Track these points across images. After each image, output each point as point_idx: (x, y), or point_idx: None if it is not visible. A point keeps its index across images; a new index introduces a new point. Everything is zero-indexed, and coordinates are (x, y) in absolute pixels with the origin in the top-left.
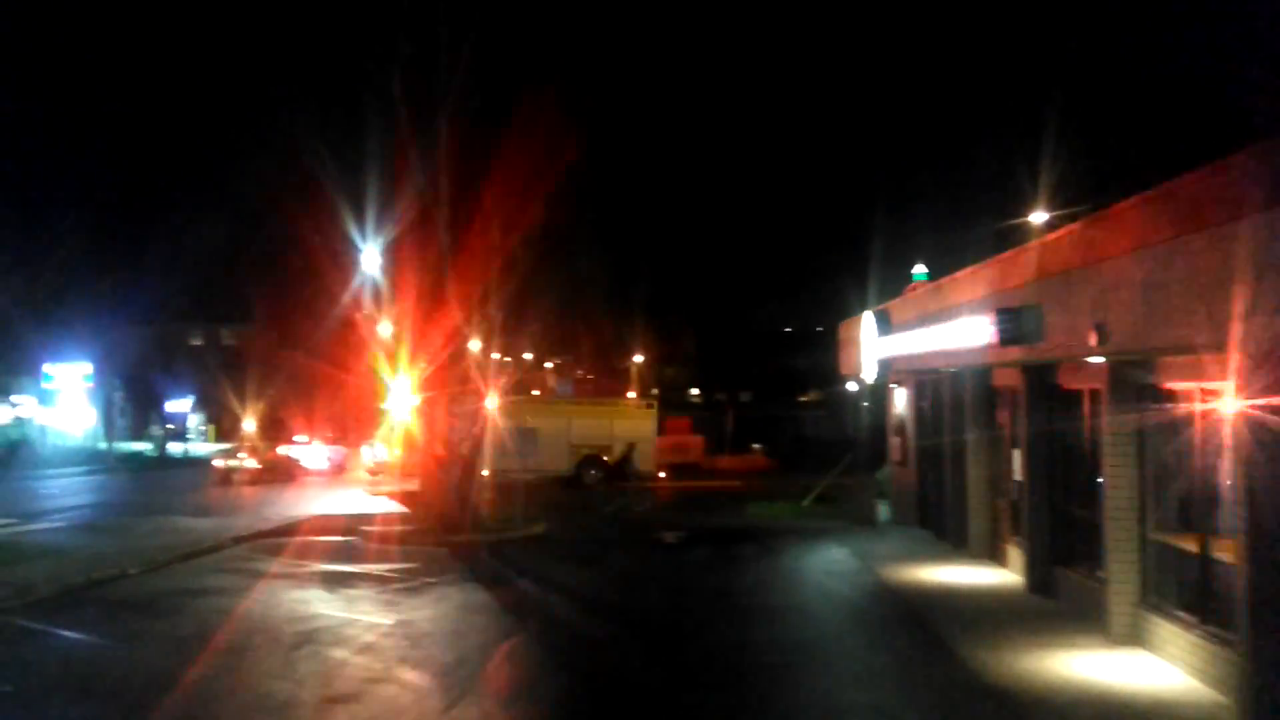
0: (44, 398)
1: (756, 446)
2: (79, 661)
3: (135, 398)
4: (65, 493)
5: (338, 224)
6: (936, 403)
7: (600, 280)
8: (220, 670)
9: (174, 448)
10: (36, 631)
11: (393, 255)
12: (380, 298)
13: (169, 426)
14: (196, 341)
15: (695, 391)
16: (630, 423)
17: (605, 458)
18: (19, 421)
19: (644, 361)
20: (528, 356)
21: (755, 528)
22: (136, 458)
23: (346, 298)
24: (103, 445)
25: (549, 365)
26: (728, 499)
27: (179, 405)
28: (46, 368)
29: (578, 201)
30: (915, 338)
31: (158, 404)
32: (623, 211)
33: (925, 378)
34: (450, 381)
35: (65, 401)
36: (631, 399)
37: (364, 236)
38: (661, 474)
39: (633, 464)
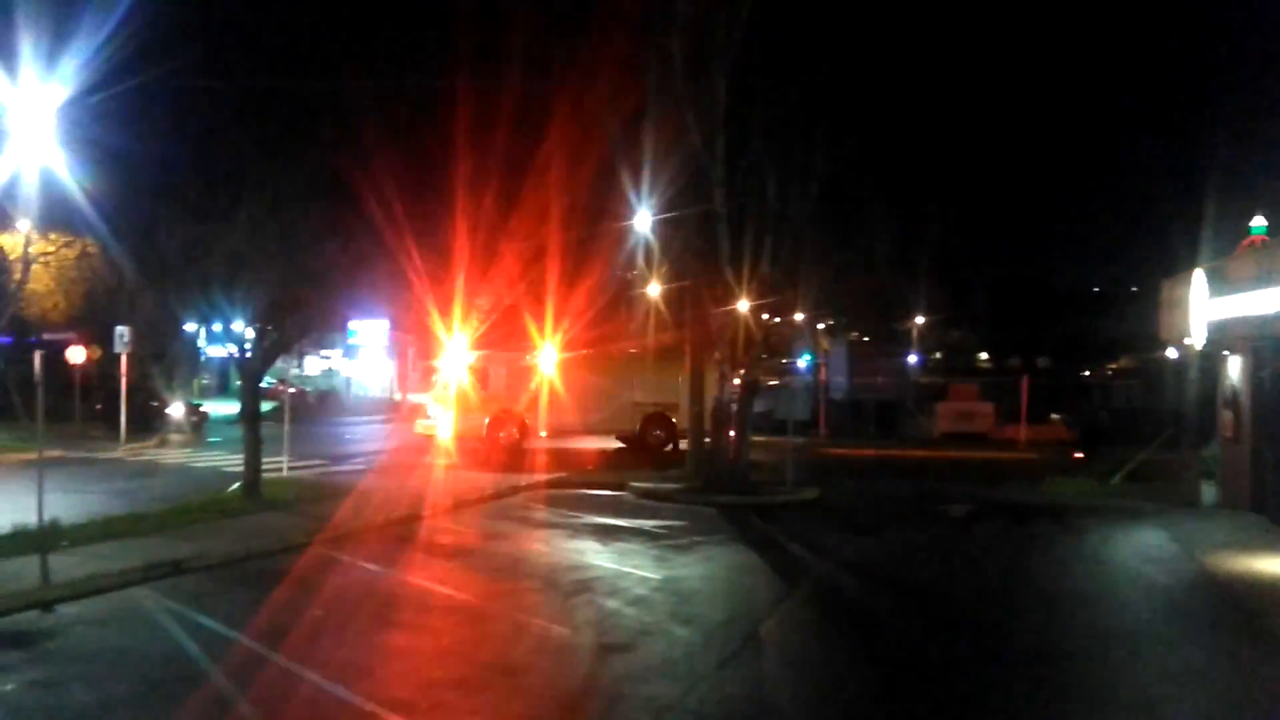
0: (349, 352)
1: (1055, 417)
2: (376, 591)
3: (425, 353)
4: (365, 439)
5: (613, 187)
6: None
7: (882, 236)
8: (503, 609)
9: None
10: (342, 563)
11: (665, 219)
12: (652, 262)
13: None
14: (480, 302)
15: (984, 356)
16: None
17: (672, 417)
18: (329, 373)
19: (925, 323)
20: (798, 317)
21: (1054, 505)
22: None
23: (618, 262)
24: (397, 396)
25: (821, 326)
26: (1021, 472)
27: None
28: (351, 324)
29: (859, 155)
30: (1256, 299)
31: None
32: (910, 163)
33: (1266, 344)
34: (720, 343)
35: (366, 355)
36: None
37: (636, 199)
38: (731, 433)
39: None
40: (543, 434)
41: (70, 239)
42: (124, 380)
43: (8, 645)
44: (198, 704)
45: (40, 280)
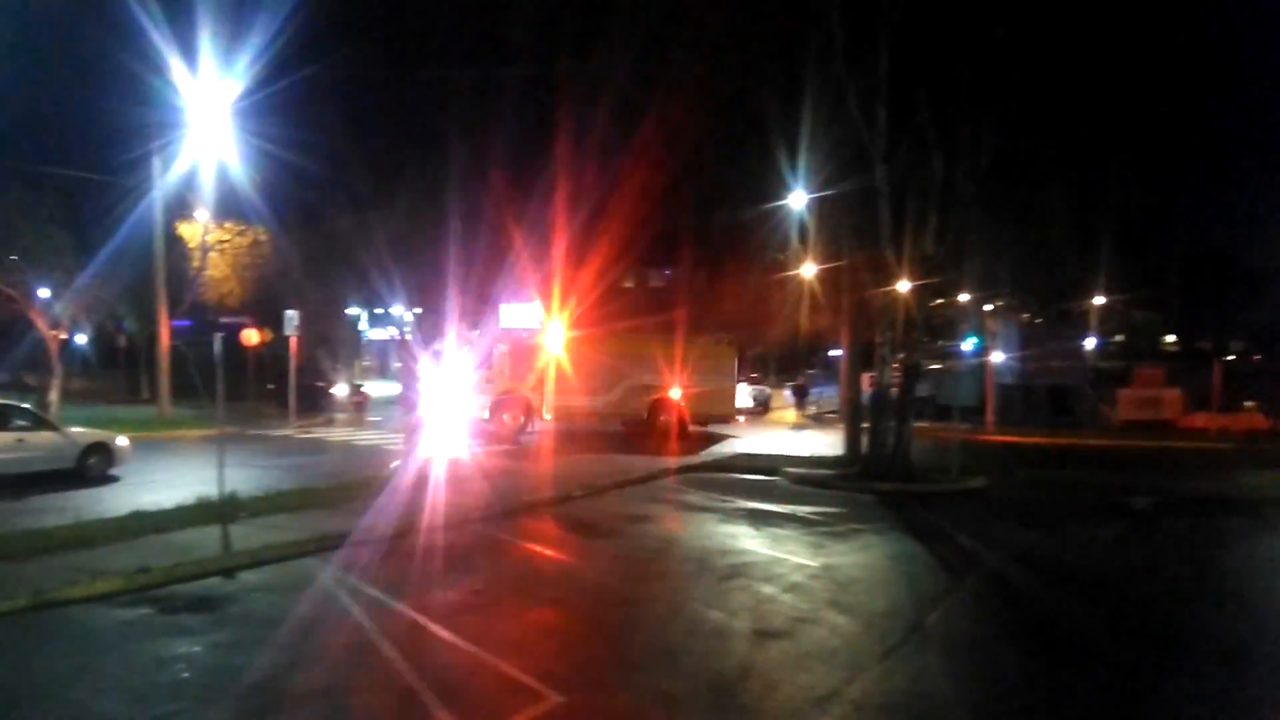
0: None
1: (1250, 404)
2: (531, 568)
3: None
4: None
5: (768, 167)
6: None
7: (1057, 211)
8: (657, 591)
9: None
10: (497, 539)
11: (821, 197)
12: (807, 241)
13: None
14: (629, 284)
15: (1171, 339)
16: (709, 362)
17: (681, 400)
18: None
19: (1105, 303)
20: (964, 298)
21: (1250, 499)
22: None
23: (773, 242)
24: None
25: (988, 308)
26: (1212, 463)
27: None
28: (503, 308)
29: (1033, 124)
30: None
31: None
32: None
33: None
34: (880, 325)
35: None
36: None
37: (794, 178)
38: (741, 419)
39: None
40: (546, 417)
41: (243, 228)
42: (293, 362)
43: (195, 609)
44: (368, 671)
45: (216, 267)
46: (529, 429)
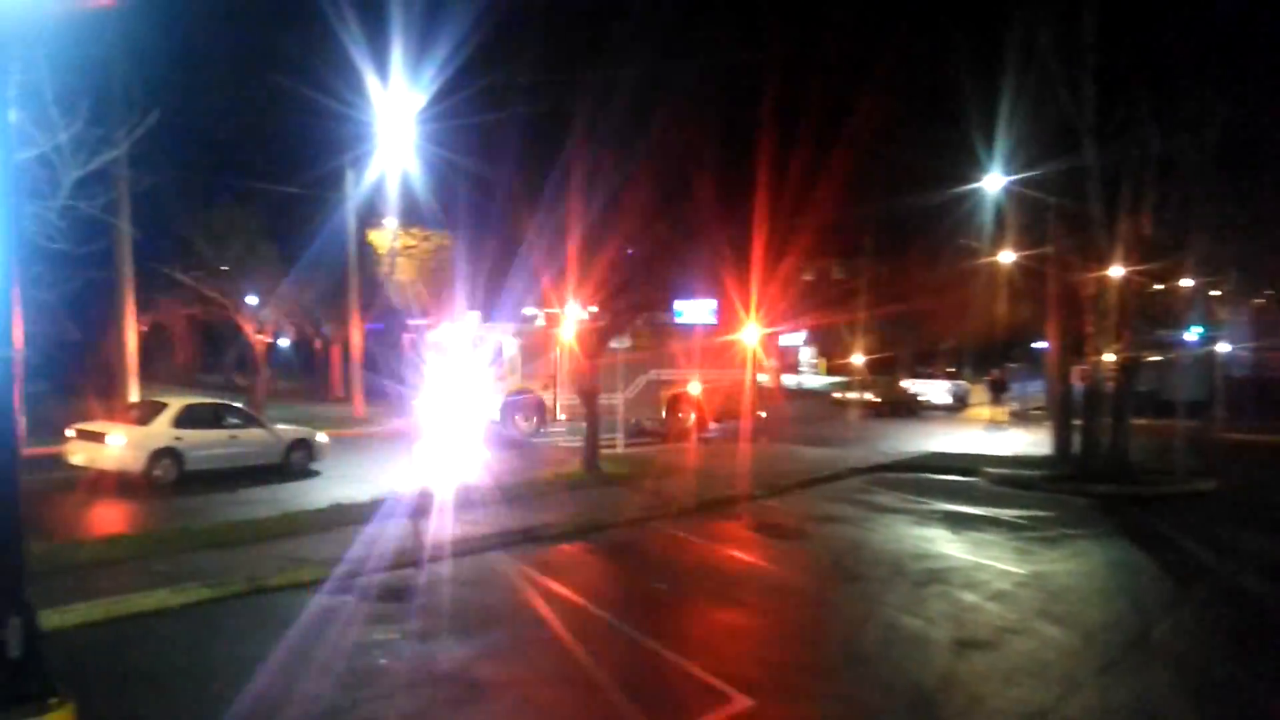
0: None
1: None
2: (714, 568)
3: (751, 330)
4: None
5: (960, 147)
6: None
7: None
8: (848, 595)
9: (788, 378)
10: (678, 538)
11: (1022, 179)
12: (1005, 226)
13: (783, 358)
14: (808, 276)
15: None
16: (732, 355)
17: (699, 397)
18: None
19: None
20: (1186, 283)
21: None
22: (754, 388)
23: (966, 228)
24: None
25: (1216, 293)
26: None
27: (792, 337)
28: (677, 304)
29: (1269, 93)
30: None
31: (772, 336)
32: None
33: None
34: (1092, 314)
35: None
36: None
37: (989, 159)
38: (763, 414)
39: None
40: (560, 417)
41: (428, 233)
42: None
43: (390, 598)
44: (556, 665)
45: (404, 271)
46: (542, 431)
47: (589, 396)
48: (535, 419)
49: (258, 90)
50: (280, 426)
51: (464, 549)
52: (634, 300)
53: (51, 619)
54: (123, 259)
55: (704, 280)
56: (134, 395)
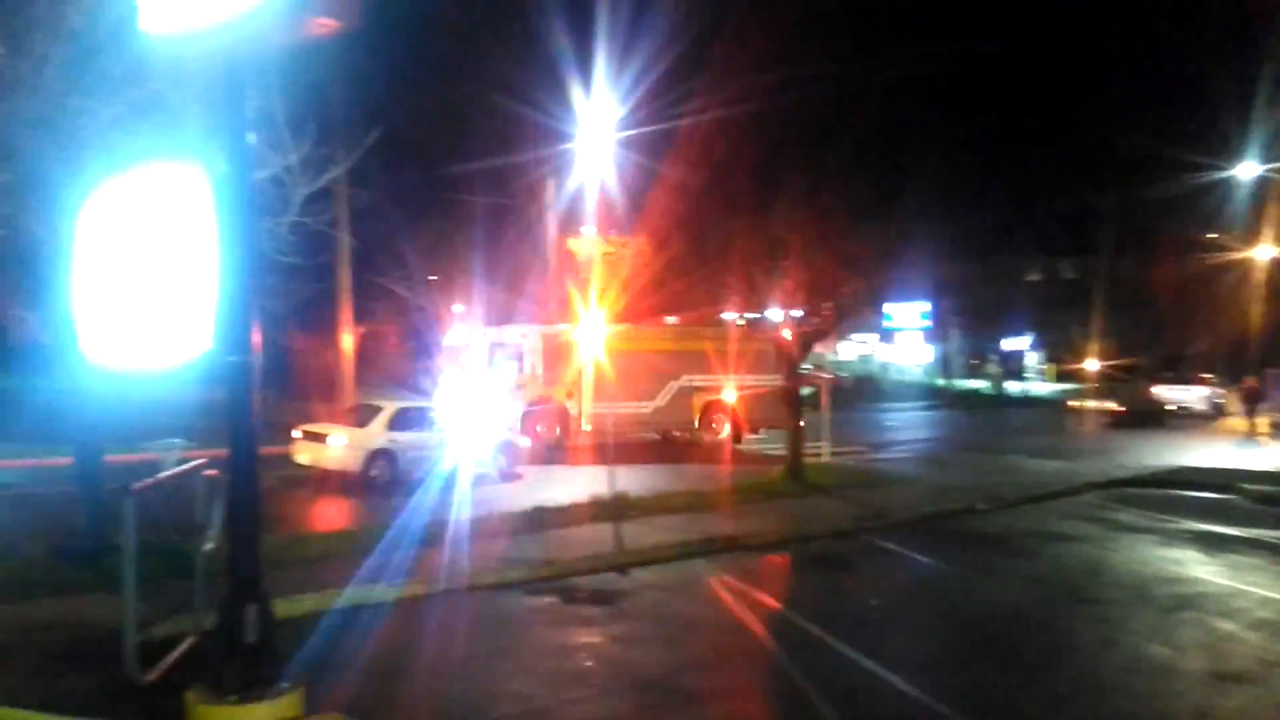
0: (885, 335)
1: None
2: (932, 585)
3: (971, 335)
4: (906, 426)
5: (1208, 130)
6: None
7: None
8: (1083, 619)
9: (1011, 386)
10: (891, 552)
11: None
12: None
13: (1006, 364)
14: (1034, 276)
15: None
16: (769, 359)
17: (733, 403)
18: (863, 358)
19: None
20: None
21: None
22: (973, 395)
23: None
24: (940, 382)
25: None
26: None
27: (1016, 343)
28: (886, 306)
29: None
30: None
31: (994, 341)
32: None
33: None
34: None
35: (904, 339)
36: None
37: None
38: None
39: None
40: (586, 426)
41: (626, 239)
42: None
43: (593, 602)
44: (764, 678)
45: (602, 278)
46: (565, 443)
47: (791, 404)
48: (558, 430)
49: (463, 105)
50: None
51: (665, 555)
52: (842, 303)
53: (282, 608)
54: (342, 271)
55: (917, 281)
56: (352, 399)
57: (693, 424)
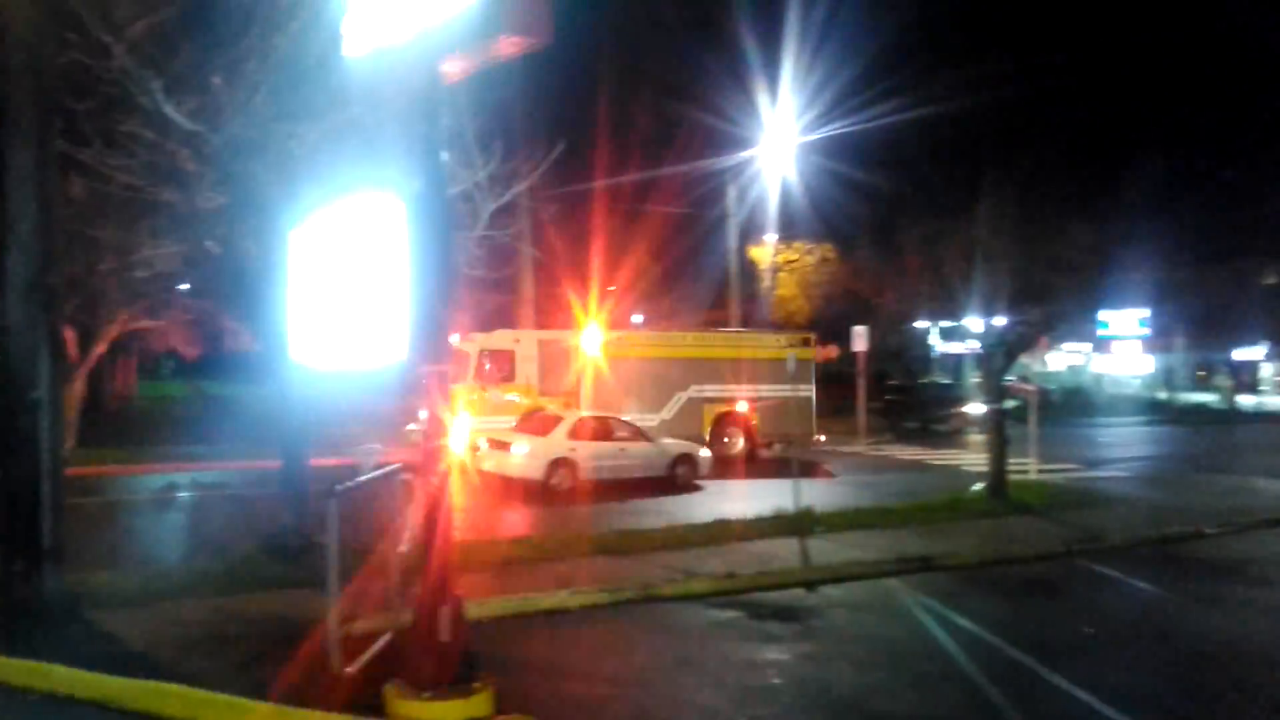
0: (1099, 345)
1: None
2: (1153, 614)
3: (1198, 344)
4: (1123, 442)
5: None
6: None
7: None
8: None
9: (1244, 400)
10: (1106, 578)
11: None
12: None
13: (1237, 376)
14: (1270, 280)
15: None
16: (784, 367)
17: (751, 415)
18: (1073, 369)
19: None
20: None
21: None
22: (1201, 410)
23: None
24: (1161, 395)
25: None
26: None
27: (1249, 353)
28: (1101, 314)
29: None
30: None
31: (1224, 351)
32: None
33: None
34: None
35: (1121, 348)
36: (776, 336)
37: None
38: (821, 437)
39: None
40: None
41: (810, 246)
42: (860, 377)
43: (779, 618)
44: (965, 705)
45: (785, 286)
46: None
47: (994, 418)
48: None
49: (643, 114)
50: (665, 441)
51: (855, 572)
52: (1051, 309)
53: (471, 610)
54: (524, 282)
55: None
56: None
57: (703, 437)
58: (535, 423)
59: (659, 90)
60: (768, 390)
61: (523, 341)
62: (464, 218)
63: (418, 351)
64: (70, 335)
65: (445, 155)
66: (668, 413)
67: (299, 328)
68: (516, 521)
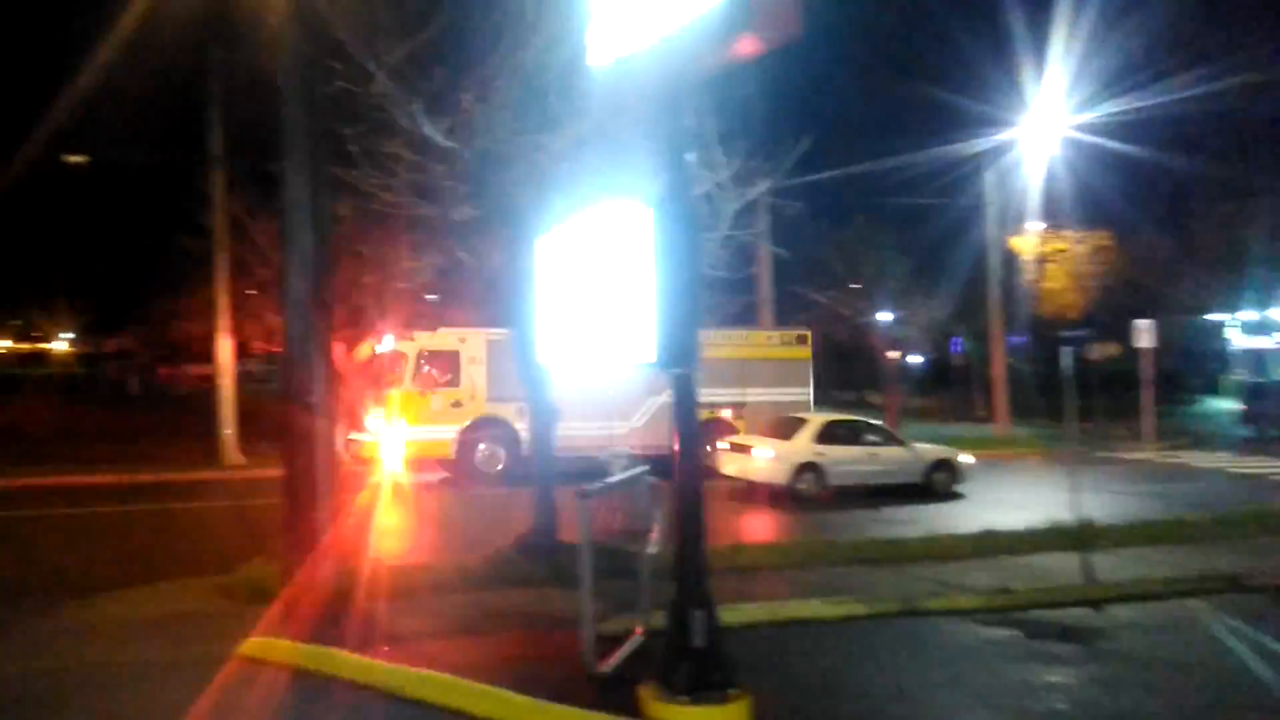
0: None
1: None
2: None
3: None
4: None
5: None
6: None
7: None
8: None
9: None
10: None
11: None
12: None
13: None
14: None
15: None
16: (772, 367)
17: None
18: None
19: None
20: None
21: None
22: None
23: None
24: None
25: None
26: None
27: None
28: None
29: None
30: None
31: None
32: None
33: None
34: None
35: None
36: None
37: None
38: None
39: None
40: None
41: (1081, 235)
42: (1146, 376)
43: (1060, 638)
44: None
45: (1054, 278)
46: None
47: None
48: (503, 457)
49: (890, 103)
50: (921, 445)
51: (1148, 591)
52: None
53: (721, 616)
54: (763, 281)
55: None
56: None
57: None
58: (777, 426)
59: (907, 73)
60: (758, 394)
61: (469, 341)
62: (706, 218)
63: (665, 355)
64: (339, 346)
65: (690, 156)
66: (638, 420)
67: (547, 331)
68: (759, 527)
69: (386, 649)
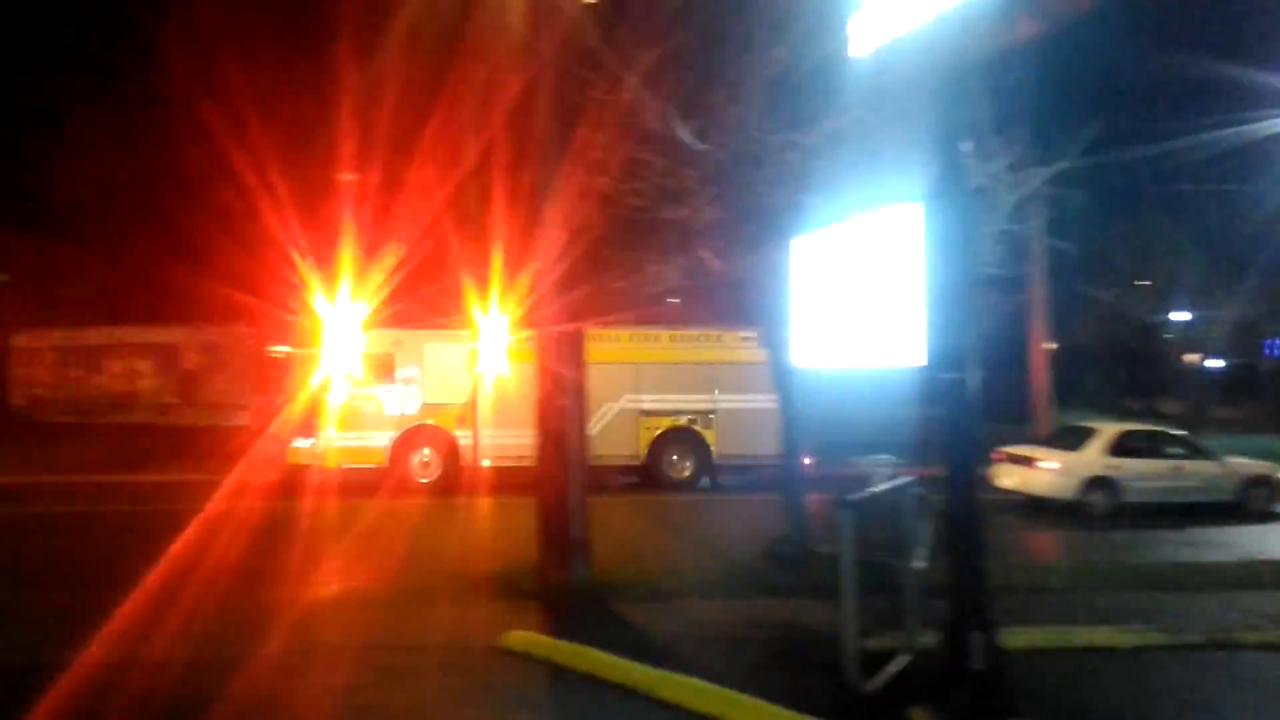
0: None
1: None
2: None
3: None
4: None
5: None
6: None
7: None
8: None
9: None
10: None
11: None
12: None
13: None
14: None
15: None
16: (737, 371)
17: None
18: None
19: None
20: None
21: None
22: None
23: None
24: None
25: None
26: None
27: None
28: None
29: None
30: None
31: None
32: None
33: None
34: None
35: None
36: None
37: None
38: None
39: None
40: (485, 463)
41: None
42: None
43: None
44: None
45: None
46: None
47: None
48: (439, 465)
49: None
50: (1235, 460)
51: None
52: None
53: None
54: (1034, 279)
55: None
56: (1049, 420)
57: (638, 456)
58: (1060, 437)
59: (1207, 45)
60: (727, 400)
61: (404, 344)
62: (980, 212)
63: (936, 357)
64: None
65: (966, 146)
66: (593, 428)
67: (803, 332)
68: (1040, 546)
69: (640, 651)
